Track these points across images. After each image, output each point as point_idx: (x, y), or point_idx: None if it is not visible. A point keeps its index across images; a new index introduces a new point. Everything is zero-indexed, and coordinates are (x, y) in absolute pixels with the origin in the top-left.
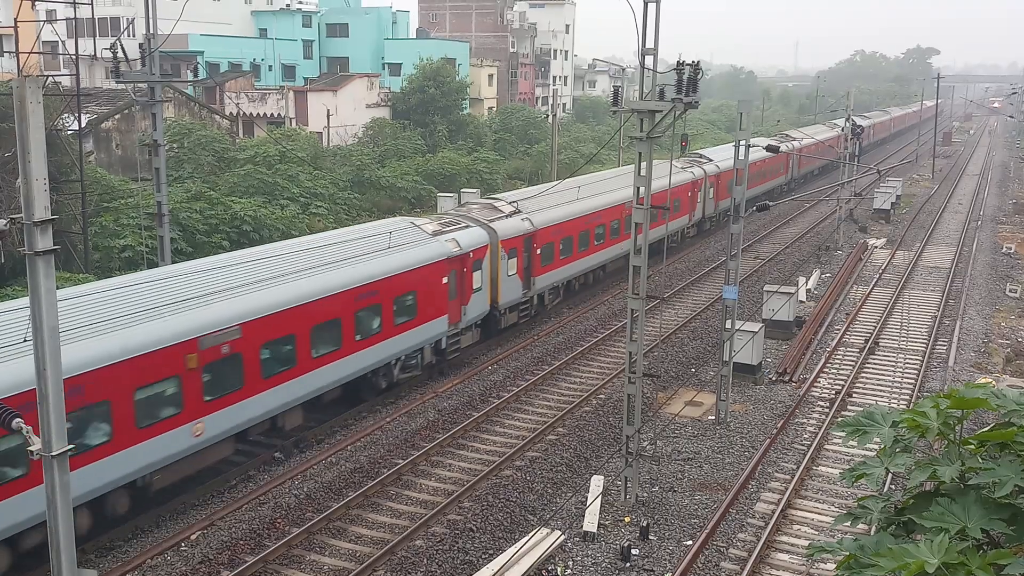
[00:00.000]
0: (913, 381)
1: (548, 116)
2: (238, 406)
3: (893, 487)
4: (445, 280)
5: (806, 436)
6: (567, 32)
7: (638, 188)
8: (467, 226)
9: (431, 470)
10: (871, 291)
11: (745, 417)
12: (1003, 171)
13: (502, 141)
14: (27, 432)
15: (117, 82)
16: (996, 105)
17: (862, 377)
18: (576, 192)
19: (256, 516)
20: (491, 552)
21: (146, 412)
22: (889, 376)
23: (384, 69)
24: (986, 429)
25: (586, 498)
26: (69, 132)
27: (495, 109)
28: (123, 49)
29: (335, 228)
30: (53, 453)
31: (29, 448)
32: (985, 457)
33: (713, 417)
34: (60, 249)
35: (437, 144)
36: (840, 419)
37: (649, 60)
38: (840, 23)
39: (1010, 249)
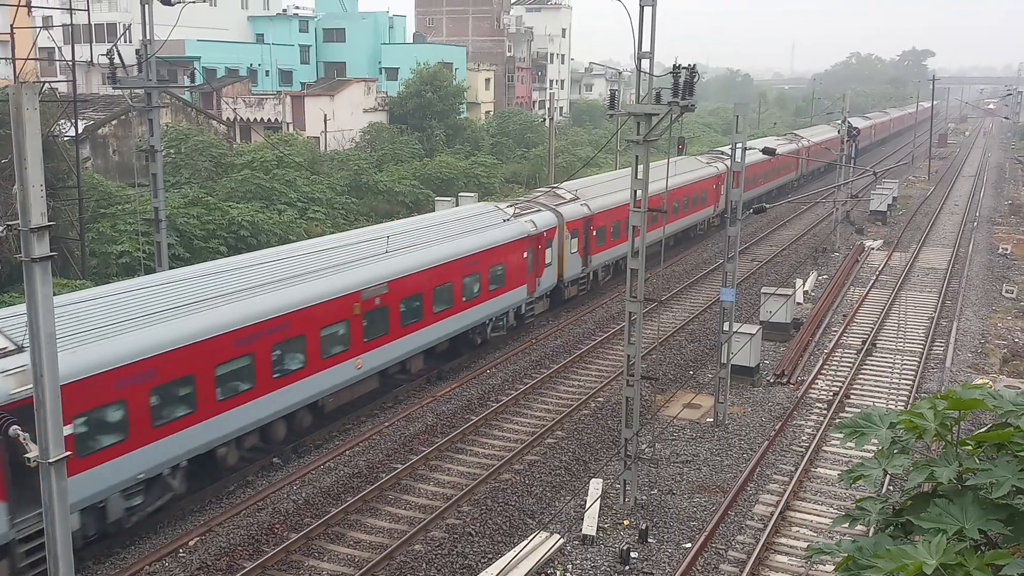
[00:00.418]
0: (910, 382)
1: (545, 120)
2: (386, 347)
3: (891, 488)
4: (525, 255)
5: (804, 438)
6: (563, 36)
7: (635, 191)
8: (539, 210)
9: (430, 474)
10: (868, 292)
11: (743, 419)
12: (999, 172)
13: (499, 145)
14: (25, 439)
15: (114, 88)
16: (991, 107)
17: (860, 378)
18: (624, 182)
19: (254, 522)
20: (490, 556)
21: (327, 346)
22: (886, 377)
23: (381, 74)
24: (983, 430)
25: (585, 501)
26: (66, 138)
27: (492, 113)
28: (120, 55)
29: (332, 233)
30: (51, 460)
31: (26, 456)
32: (982, 458)
33: (711, 419)
34: (57, 255)
35: (434, 148)
36: (838, 421)
37: (645, 64)
38: (836, 26)
39: (1006, 250)
